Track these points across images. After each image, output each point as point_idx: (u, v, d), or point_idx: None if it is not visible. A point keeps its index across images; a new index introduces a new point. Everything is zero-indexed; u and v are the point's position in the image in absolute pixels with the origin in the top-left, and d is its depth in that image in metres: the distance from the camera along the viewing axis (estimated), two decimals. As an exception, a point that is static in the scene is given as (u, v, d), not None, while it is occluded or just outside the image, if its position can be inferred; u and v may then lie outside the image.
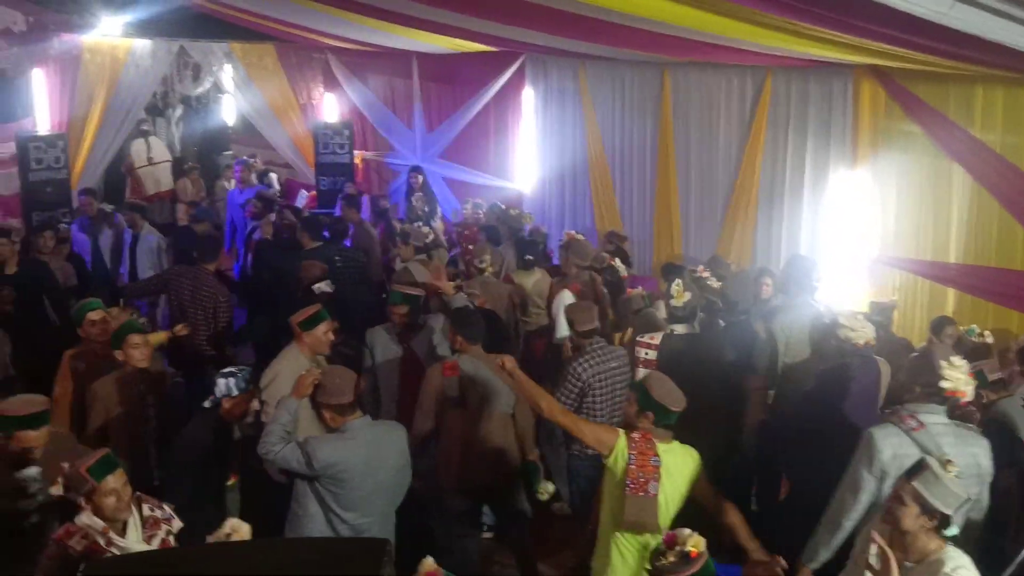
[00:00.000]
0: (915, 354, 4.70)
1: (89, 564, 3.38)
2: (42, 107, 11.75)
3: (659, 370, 5.45)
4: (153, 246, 9.79)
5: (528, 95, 11.50)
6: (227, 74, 13.45)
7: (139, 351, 5.36)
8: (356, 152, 13.97)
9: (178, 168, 14.44)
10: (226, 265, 8.24)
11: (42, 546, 3.78)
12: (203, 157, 16.31)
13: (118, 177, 15.24)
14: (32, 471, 4.19)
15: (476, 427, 5.35)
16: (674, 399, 4.30)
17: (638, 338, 6.14)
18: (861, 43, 5.93)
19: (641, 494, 4.19)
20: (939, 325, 6.33)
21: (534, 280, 7.90)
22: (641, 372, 5.75)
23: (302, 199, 13.80)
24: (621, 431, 4.32)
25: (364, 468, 4.48)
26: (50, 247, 8.34)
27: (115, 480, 3.80)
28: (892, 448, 4.05)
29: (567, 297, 7.15)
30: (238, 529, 3.62)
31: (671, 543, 3.36)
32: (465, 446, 5.34)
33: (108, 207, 10.81)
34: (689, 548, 3.32)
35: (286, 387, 5.01)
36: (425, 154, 13.00)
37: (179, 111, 17.01)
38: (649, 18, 6.55)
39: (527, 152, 11.66)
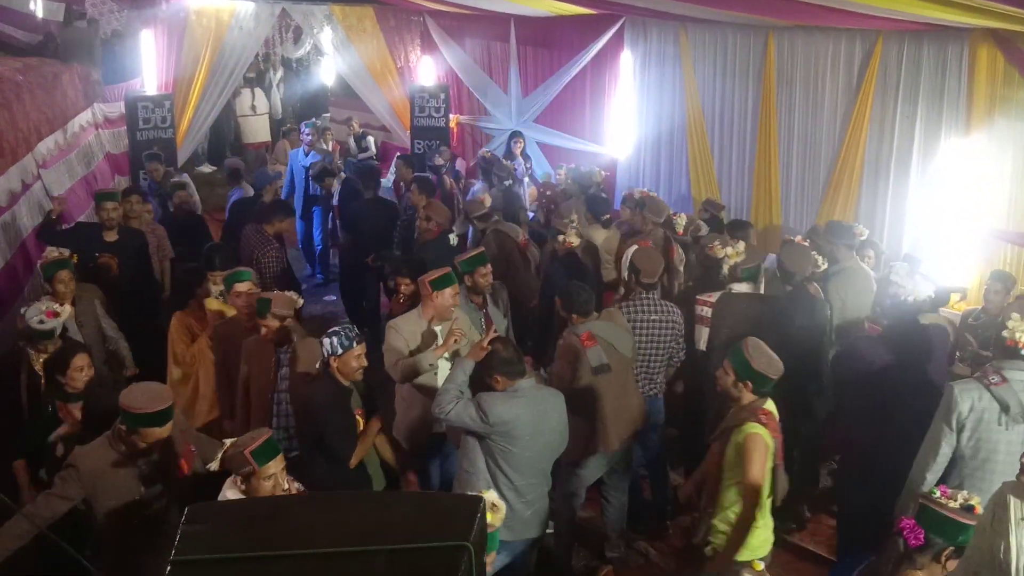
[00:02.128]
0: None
1: (191, 509, 3.53)
2: (150, 68, 12.14)
3: (715, 327, 5.83)
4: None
5: (626, 59, 11.35)
6: (326, 36, 13.63)
7: (276, 322, 5.53)
8: (452, 116, 14.04)
9: (277, 129, 14.76)
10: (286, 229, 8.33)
11: (165, 534, 3.74)
12: (302, 119, 16.62)
13: (220, 137, 15.68)
14: (156, 490, 4.20)
15: (621, 385, 5.50)
16: (774, 367, 4.35)
17: (698, 296, 6.27)
18: (979, 4, 5.69)
19: (782, 465, 4.41)
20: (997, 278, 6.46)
21: (605, 236, 8.11)
22: (701, 330, 5.99)
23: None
24: (758, 427, 4.26)
25: (534, 427, 4.60)
26: (137, 212, 8.24)
27: (275, 465, 3.87)
28: (971, 401, 4.37)
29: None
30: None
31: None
32: (615, 411, 5.46)
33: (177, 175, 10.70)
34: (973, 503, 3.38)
35: (399, 343, 5.47)
36: (520, 118, 12.99)
37: (280, 73, 17.37)
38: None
39: (623, 117, 11.53)
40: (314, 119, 14.15)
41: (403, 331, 5.56)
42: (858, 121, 8.49)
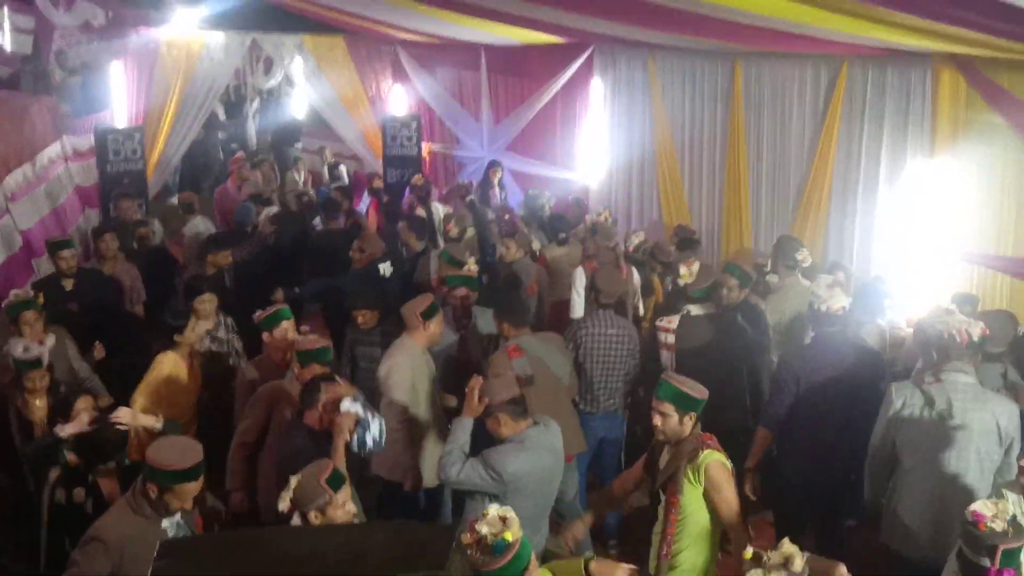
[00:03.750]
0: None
1: (165, 544, 3.46)
2: (120, 100, 12.07)
3: (680, 353, 5.93)
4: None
5: (596, 86, 11.45)
6: (298, 67, 13.66)
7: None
8: (424, 144, 14.07)
9: (251, 160, 14.71)
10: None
11: None
12: (275, 149, 16.61)
13: (194, 168, 15.61)
14: (176, 519, 4.03)
15: (549, 402, 5.45)
16: (701, 388, 4.28)
17: (657, 322, 6.33)
18: (941, 29, 5.78)
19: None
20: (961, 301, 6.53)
21: (564, 252, 8.31)
22: (664, 355, 6.05)
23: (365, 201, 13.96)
24: (714, 454, 4.21)
25: (545, 475, 4.42)
26: (112, 251, 7.97)
27: (347, 491, 3.78)
28: (903, 398, 4.72)
29: (580, 275, 7.47)
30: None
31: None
32: None
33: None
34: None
35: (402, 379, 5.37)
36: (492, 146, 13.03)
37: (256, 104, 17.35)
38: (722, 5, 6.48)
39: (594, 144, 11.60)
40: (238, 148, 14.04)
41: (405, 366, 5.53)
42: (825, 145, 8.58)
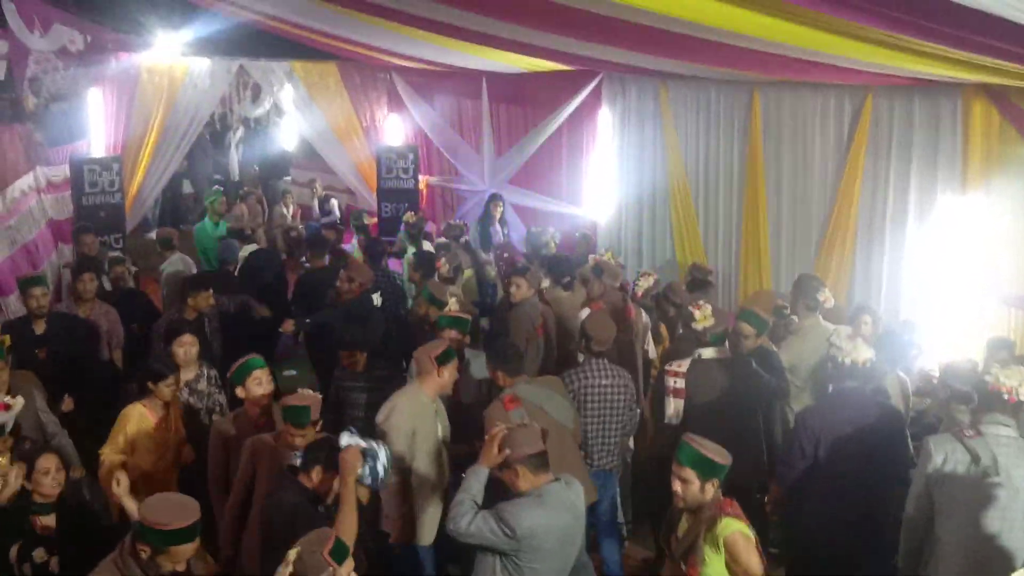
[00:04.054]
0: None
1: None
2: (98, 128, 12.17)
3: (690, 399, 5.96)
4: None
5: (605, 116, 11.54)
6: (287, 94, 13.77)
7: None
8: (421, 177, 14.14)
9: (235, 193, 14.78)
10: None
11: None
12: (263, 181, 16.69)
13: (174, 200, 15.66)
14: None
15: (554, 451, 5.37)
16: (724, 452, 4.28)
17: (666, 366, 6.32)
18: (972, 59, 5.81)
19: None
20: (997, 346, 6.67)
21: (567, 296, 8.25)
22: (671, 402, 6.07)
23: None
24: (735, 522, 4.18)
25: (564, 536, 4.32)
26: (91, 292, 7.78)
27: (349, 564, 3.71)
28: (944, 453, 4.63)
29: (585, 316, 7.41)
30: None
31: None
32: None
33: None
34: None
35: (401, 423, 5.34)
36: (493, 179, 13.10)
37: (239, 133, 17.47)
38: (739, 33, 6.53)
39: (602, 178, 11.68)
40: (218, 187, 13.99)
41: (407, 411, 5.50)
42: (850, 179, 8.61)
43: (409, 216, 11.16)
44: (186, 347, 6.44)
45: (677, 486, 4.25)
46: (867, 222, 8.60)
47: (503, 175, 13.00)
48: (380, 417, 5.50)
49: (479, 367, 6.40)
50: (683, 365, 6.14)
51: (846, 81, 8.37)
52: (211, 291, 7.79)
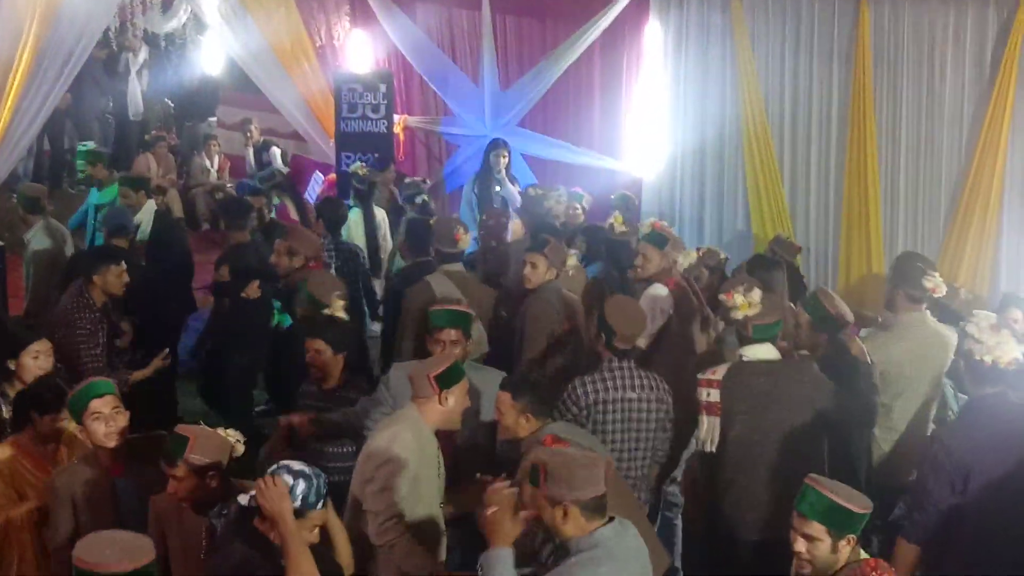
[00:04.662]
0: None
1: None
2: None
3: (727, 414, 5.96)
4: None
5: (654, 34, 11.53)
6: (211, 2, 13.75)
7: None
8: (396, 117, 14.12)
9: (139, 139, 14.80)
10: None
11: None
12: (177, 124, 16.69)
13: (56, 149, 15.66)
14: None
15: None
16: (859, 501, 4.30)
17: (699, 375, 6.32)
18: None
19: None
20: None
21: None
22: (703, 420, 6.08)
23: (316, 185, 14.00)
24: None
25: None
26: None
27: None
28: None
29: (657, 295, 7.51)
30: None
31: None
32: None
33: None
34: None
35: (410, 458, 5.31)
36: (497, 121, 13.08)
37: (142, 56, 17.44)
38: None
39: (650, 120, 11.67)
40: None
41: (413, 446, 5.43)
42: (994, 123, 8.63)
43: (358, 167, 11.21)
44: (40, 357, 6.49)
45: (801, 546, 4.28)
46: (1018, 184, 8.61)
47: (511, 115, 12.97)
48: (378, 460, 5.49)
49: (487, 397, 6.37)
50: (719, 372, 6.15)
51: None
52: (123, 265, 7.89)
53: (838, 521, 4.20)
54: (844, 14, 9.75)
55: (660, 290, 7.53)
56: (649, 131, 11.67)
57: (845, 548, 4.23)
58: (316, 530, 4.58)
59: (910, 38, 9.29)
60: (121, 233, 9.33)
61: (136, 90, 17.37)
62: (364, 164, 11.51)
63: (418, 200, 11.15)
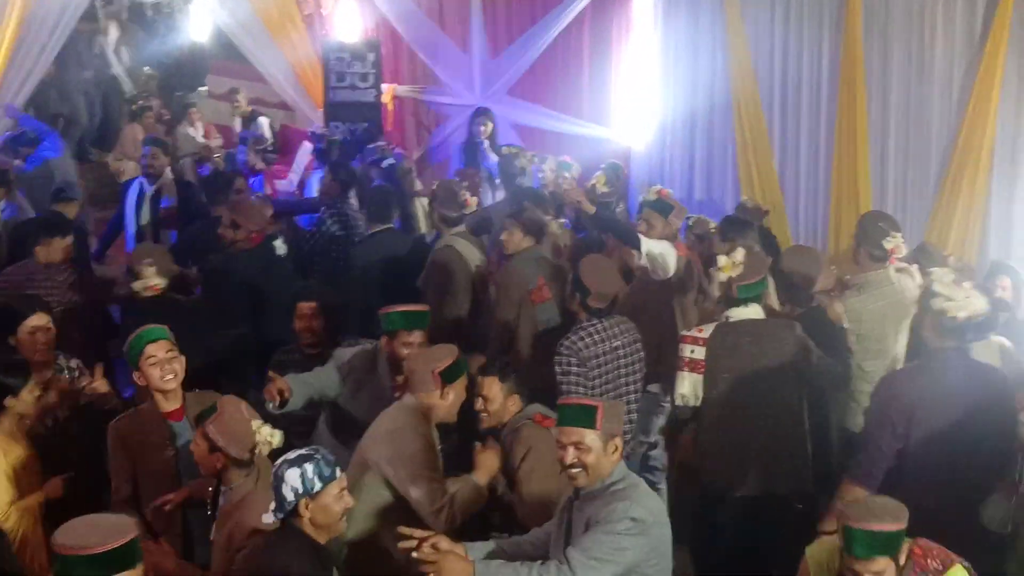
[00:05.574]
0: None
1: None
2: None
3: (711, 373, 6.07)
4: None
5: (643, 1, 11.55)
6: (198, -29, 13.72)
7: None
8: (384, 87, 14.10)
9: (126, 108, 14.72)
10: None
11: None
12: (164, 92, 16.61)
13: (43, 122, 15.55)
14: None
15: None
16: (892, 514, 4.36)
17: (683, 332, 6.48)
18: None
19: None
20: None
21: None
22: (684, 376, 6.19)
23: (304, 154, 13.98)
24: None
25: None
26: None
27: None
28: None
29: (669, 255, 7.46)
30: None
31: None
32: None
33: None
34: None
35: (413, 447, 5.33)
36: (487, 90, 13.06)
37: (113, 35, 17.12)
38: None
39: (639, 89, 11.68)
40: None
41: (415, 434, 5.47)
42: (984, 89, 8.65)
43: (384, 148, 11.28)
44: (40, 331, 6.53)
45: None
46: (1007, 151, 8.64)
47: (500, 83, 12.95)
48: (380, 431, 5.50)
49: None
50: (704, 330, 6.24)
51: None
52: (70, 238, 7.99)
53: (893, 545, 4.31)
54: (834, -19, 9.74)
55: (665, 247, 7.47)
56: (638, 100, 11.67)
57: (903, 558, 4.35)
58: (346, 494, 4.57)
59: (900, 5, 9.30)
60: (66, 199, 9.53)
61: (117, 66, 17.19)
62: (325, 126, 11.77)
63: (384, 164, 11.05)
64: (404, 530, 4.59)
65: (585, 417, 4.46)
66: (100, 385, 6.29)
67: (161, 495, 5.37)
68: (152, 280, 7.18)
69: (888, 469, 5.38)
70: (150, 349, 5.66)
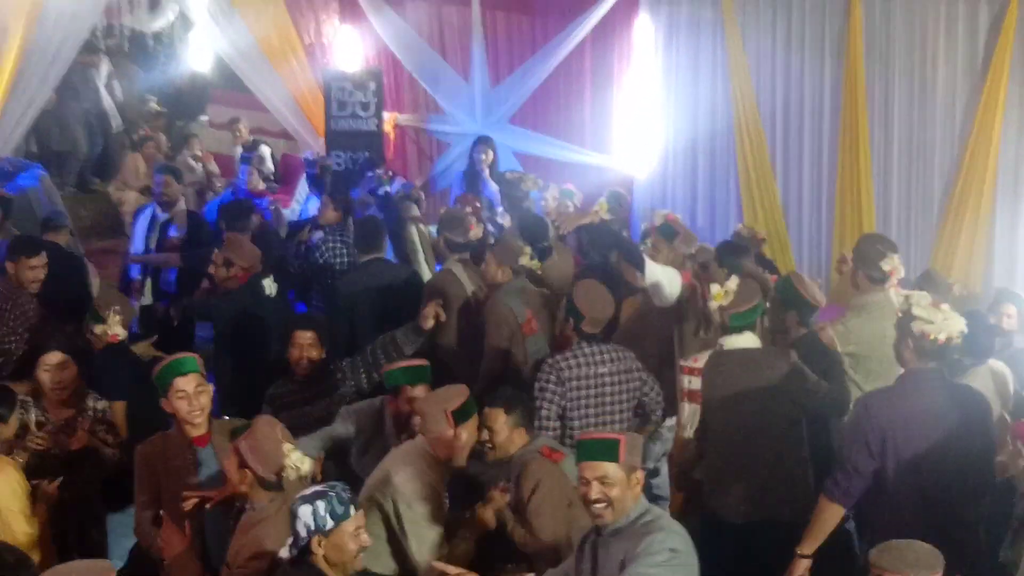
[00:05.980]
0: None
1: None
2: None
3: (707, 403, 6.13)
4: None
5: (644, 29, 11.51)
6: (199, 1, 13.72)
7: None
8: (386, 115, 14.11)
9: (127, 137, 14.72)
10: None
11: None
12: (166, 123, 16.62)
13: (44, 153, 15.57)
14: None
15: None
16: (926, 560, 4.31)
17: (681, 362, 6.60)
18: None
19: None
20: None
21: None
22: (685, 407, 6.38)
23: (305, 185, 13.98)
24: None
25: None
26: None
27: None
28: None
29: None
30: None
31: None
32: None
33: None
34: None
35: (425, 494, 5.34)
36: (488, 118, 13.07)
37: (105, 69, 17.00)
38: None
39: (641, 116, 11.65)
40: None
41: (424, 477, 5.45)
42: (986, 114, 8.64)
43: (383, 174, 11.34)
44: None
45: None
46: (1011, 177, 8.62)
47: (501, 112, 12.96)
48: (396, 479, 5.43)
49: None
50: (701, 360, 6.29)
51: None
52: (43, 257, 8.16)
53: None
54: (835, 7, 9.77)
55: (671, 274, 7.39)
56: (640, 127, 11.66)
57: None
58: (362, 532, 4.59)
59: (902, 31, 9.31)
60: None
61: (107, 100, 17.16)
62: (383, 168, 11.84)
63: (380, 192, 11.10)
64: (438, 565, 4.67)
65: (608, 451, 4.44)
66: (77, 440, 6.37)
67: (183, 519, 5.49)
68: (114, 329, 7.22)
69: (866, 488, 5.39)
70: (179, 383, 5.71)
